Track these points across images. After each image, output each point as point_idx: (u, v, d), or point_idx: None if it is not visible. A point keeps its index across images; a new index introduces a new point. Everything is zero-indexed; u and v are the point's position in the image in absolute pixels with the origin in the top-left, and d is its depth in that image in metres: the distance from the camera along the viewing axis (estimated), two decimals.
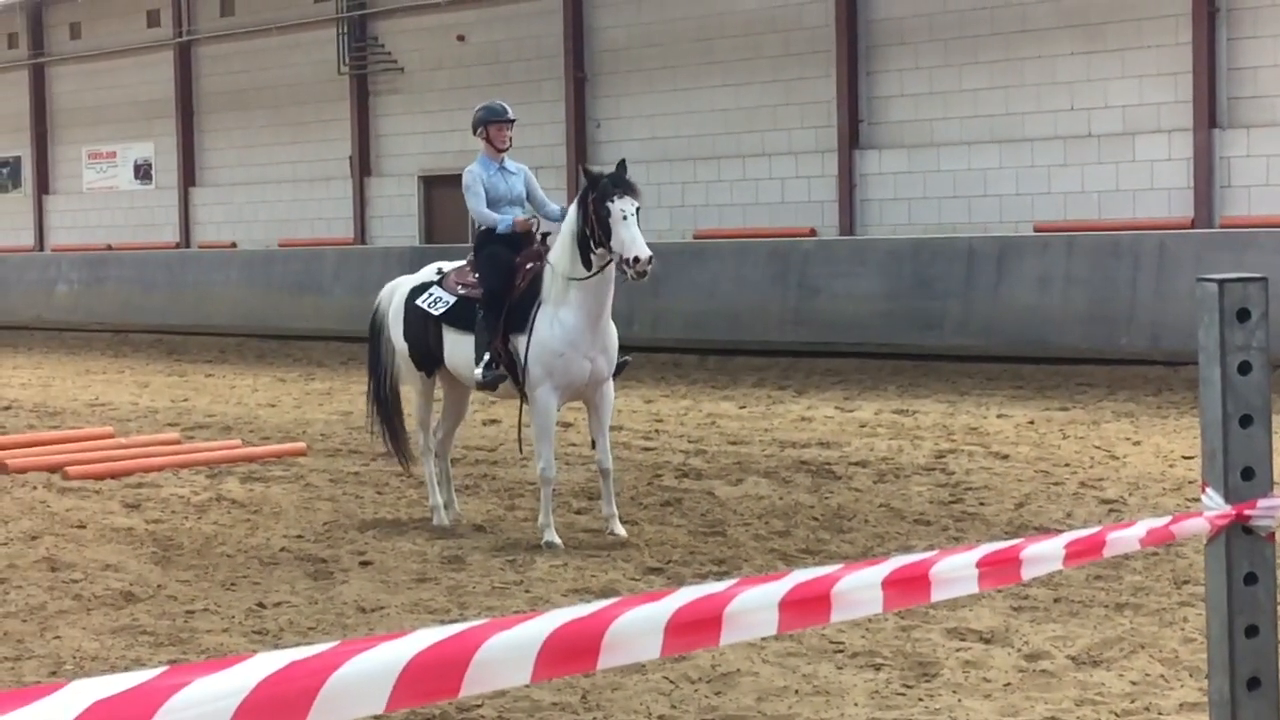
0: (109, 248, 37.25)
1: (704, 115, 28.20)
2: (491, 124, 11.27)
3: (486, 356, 10.80)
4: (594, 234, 10.36)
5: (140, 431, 16.60)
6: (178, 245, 36.62)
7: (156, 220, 37.55)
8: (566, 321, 10.53)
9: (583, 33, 29.71)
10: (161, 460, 13.97)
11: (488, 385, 10.88)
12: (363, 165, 33.54)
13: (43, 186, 40.15)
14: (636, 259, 10.13)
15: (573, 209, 10.64)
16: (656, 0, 28.77)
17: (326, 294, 29.95)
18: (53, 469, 13.55)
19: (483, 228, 11.15)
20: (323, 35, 33.96)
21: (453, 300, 11.14)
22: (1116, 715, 6.51)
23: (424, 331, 11.29)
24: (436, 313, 11.18)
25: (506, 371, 10.78)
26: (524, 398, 10.91)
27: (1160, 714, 6.50)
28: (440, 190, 31.92)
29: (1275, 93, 22.55)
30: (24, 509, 11.95)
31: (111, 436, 15.71)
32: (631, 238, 10.21)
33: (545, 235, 11.14)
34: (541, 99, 29.17)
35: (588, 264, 10.48)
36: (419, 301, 11.32)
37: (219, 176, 36.59)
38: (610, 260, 10.38)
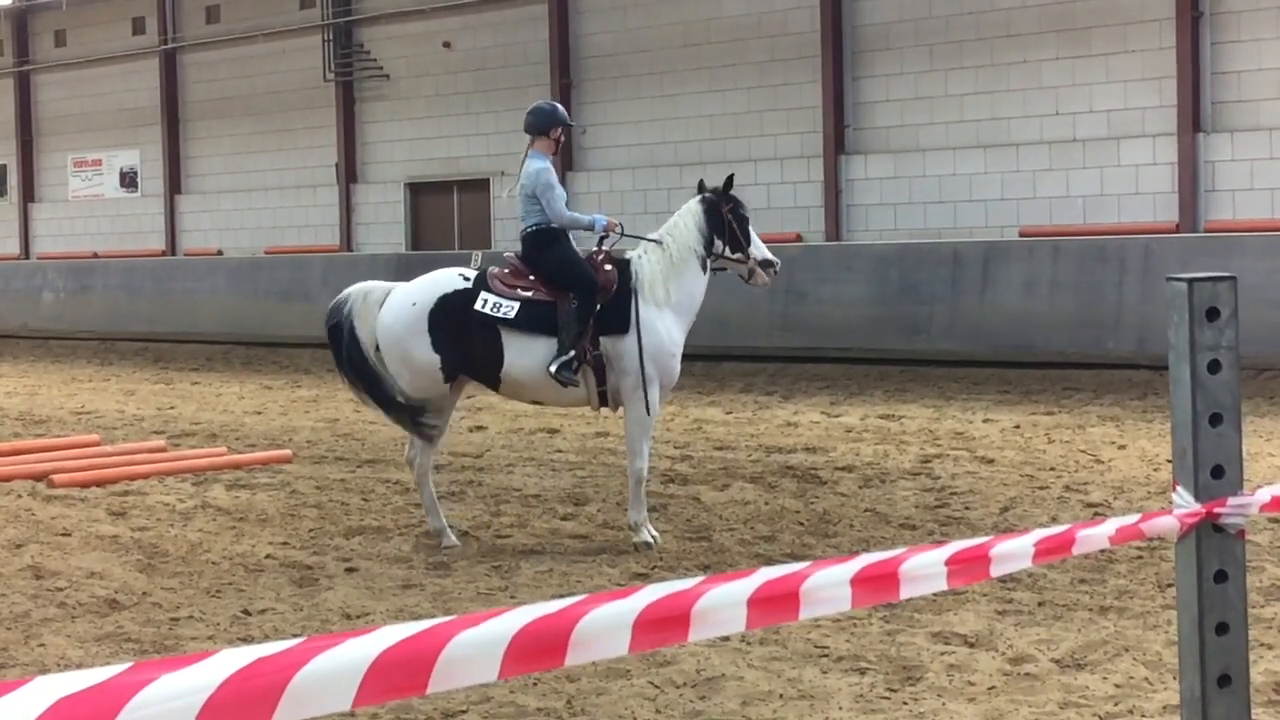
0: (95, 255, 37.21)
1: (690, 121, 28.24)
2: (563, 127, 11.32)
3: (572, 353, 10.61)
4: (729, 239, 11.13)
5: (126, 439, 16.58)
6: (164, 253, 36.60)
7: (143, 228, 37.53)
8: (675, 323, 10.89)
9: (569, 39, 29.75)
10: (147, 468, 13.94)
11: (566, 382, 10.67)
12: (349, 172, 33.54)
13: (28, 194, 40.11)
14: (778, 262, 11.47)
15: (700, 212, 11.17)
16: (643, 7, 28.81)
17: (313, 301, 29.85)
18: (38, 477, 13.52)
19: (553, 225, 10.94)
20: (308, 42, 33.97)
21: (517, 305, 10.70)
22: (1100, 718, 6.52)
23: (469, 340, 10.68)
24: (511, 317, 10.69)
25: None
26: (602, 399, 10.86)
27: (1144, 716, 6.51)
28: (427, 197, 31.94)
29: (1259, 97, 22.62)
30: (9, 517, 11.93)
31: (97, 444, 15.69)
32: (764, 246, 11.43)
33: (603, 238, 11.24)
34: (527, 105, 29.08)
35: (703, 267, 11.08)
36: (480, 308, 10.66)
37: (205, 184, 36.58)
38: (734, 265, 11.23)
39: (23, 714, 1.91)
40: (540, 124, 11.19)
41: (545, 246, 10.95)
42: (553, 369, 10.62)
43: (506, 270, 10.89)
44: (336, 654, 2.20)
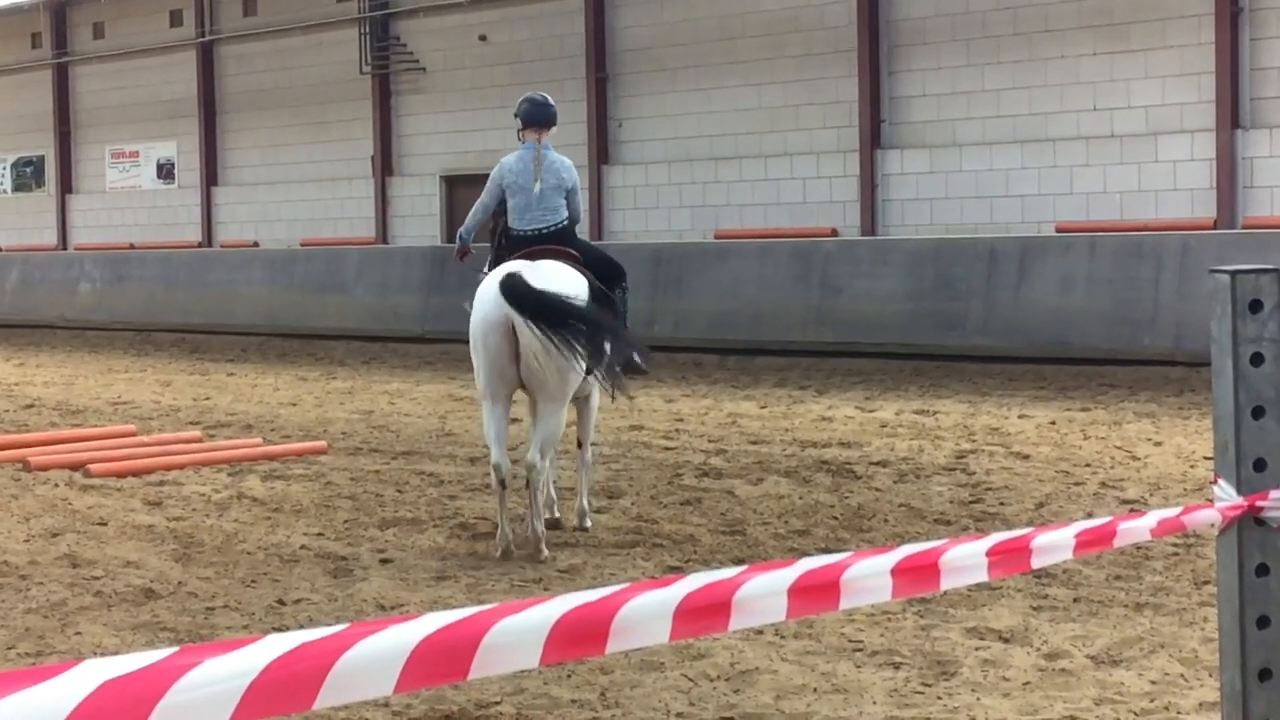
0: (132, 247, 37.37)
1: (726, 115, 28.21)
2: None
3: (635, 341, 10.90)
4: None
5: (162, 430, 16.64)
6: (200, 244, 36.73)
7: (179, 219, 37.67)
8: None
9: (604, 32, 29.74)
10: (183, 458, 14.00)
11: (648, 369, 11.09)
12: (385, 165, 33.60)
13: (66, 186, 40.29)
14: None
15: None
16: (679, 0, 28.79)
17: (348, 293, 30.01)
18: (75, 467, 13.59)
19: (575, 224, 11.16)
20: (345, 35, 34.04)
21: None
22: (1135, 714, 6.50)
23: None
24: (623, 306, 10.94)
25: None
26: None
27: (1179, 713, 6.49)
28: (462, 190, 31.96)
29: None
30: (46, 506, 11.99)
31: (133, 434, 15.76)
32: None
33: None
34: (563, 98, 29.04)
35: None
36: (615, 296, 10.86)
37: (241, 176, 36.70)
38: None
39: (70, 695, 1.93)
40: (551, 117, 11.19)
41: (575, 239, 11.06)
42: (638, 358, 10.73)
43: (566, 261, 10.75)
44: (380, 639, 2.21)
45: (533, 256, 10.63)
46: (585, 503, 10.96)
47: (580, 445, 11.17)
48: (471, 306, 10.34)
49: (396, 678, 2.20)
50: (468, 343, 10.39)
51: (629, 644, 2.46)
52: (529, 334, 9.76)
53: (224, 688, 2.03)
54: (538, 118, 11.11)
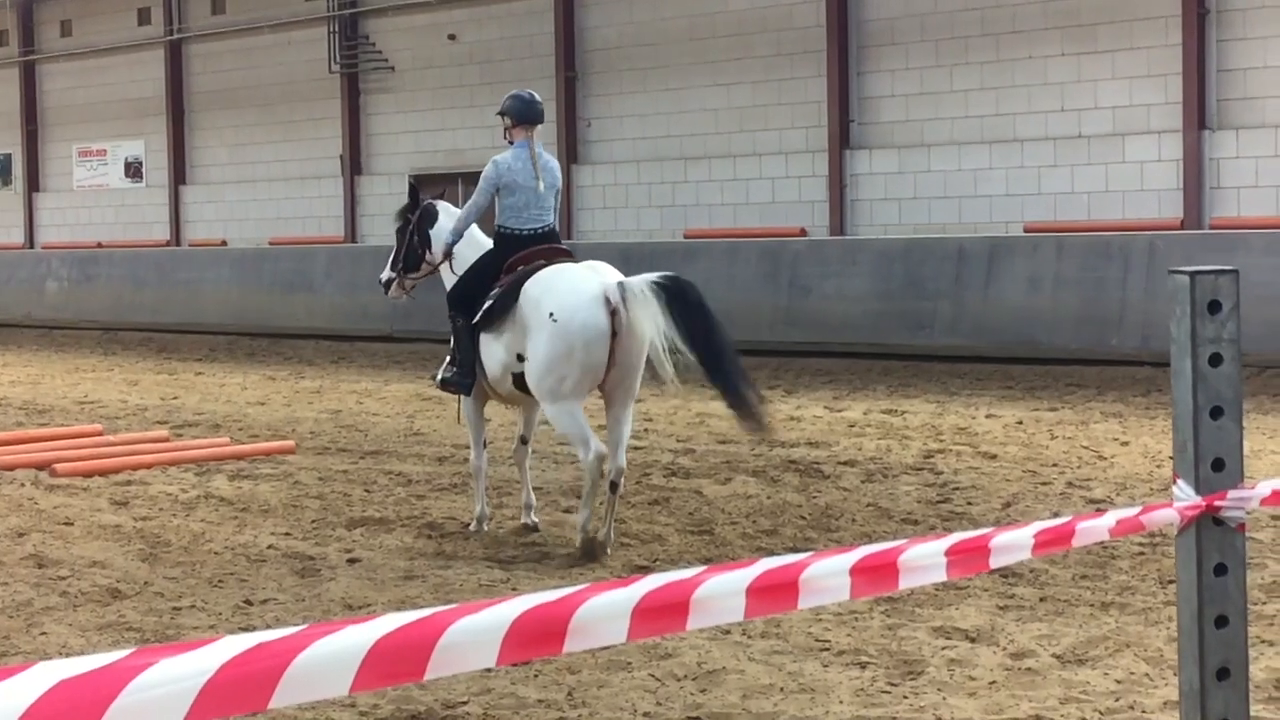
0: (99, 245, 37.22)
1: (695, 115, 28.23)
2: None
3: None
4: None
5: (129, 429, 16.59)
6: (168, 243, 36.61)
7: (147, 218, 37.54)
8: None
9: (573, 32, 29.74)
10: (150, 458, 13.95)
11: None
12: (354, 164, 33.55)
13: (33, 184, 40.13)
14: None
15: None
16: None
17: (317, 293, 29.93)
18: (41, 466, 13.53)
19: None
20: (314, 34, 33.98)
21: None
22: (1101, 713, 6.52)
23: None
24: None
25: None
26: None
27: (1144, 712, 6.51)
28: (431, 189, 31.79)
29: (1264, 94, 22.60)
30: (11, 506, 11.95)
31: (100, 434, 15.71)
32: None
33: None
34: None
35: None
36: None
37: (210, 175, 36.59)
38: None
39: (24, 696, 1.92)
40: (540, 113, 11.14)
41: (560, 239, 11.10)
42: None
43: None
44: (335, 640, 2.21)
45: (540, 257, 10.55)
46: (531, 497, 11.15)
47: (524, 442, 11.18)
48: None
49: (353, 678, 2.20)
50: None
51: (587, 644, 2.46)
52: (650, 335, 9.99)
53: (178, 688, 2.03)
54: (528, 115, 10.98)
